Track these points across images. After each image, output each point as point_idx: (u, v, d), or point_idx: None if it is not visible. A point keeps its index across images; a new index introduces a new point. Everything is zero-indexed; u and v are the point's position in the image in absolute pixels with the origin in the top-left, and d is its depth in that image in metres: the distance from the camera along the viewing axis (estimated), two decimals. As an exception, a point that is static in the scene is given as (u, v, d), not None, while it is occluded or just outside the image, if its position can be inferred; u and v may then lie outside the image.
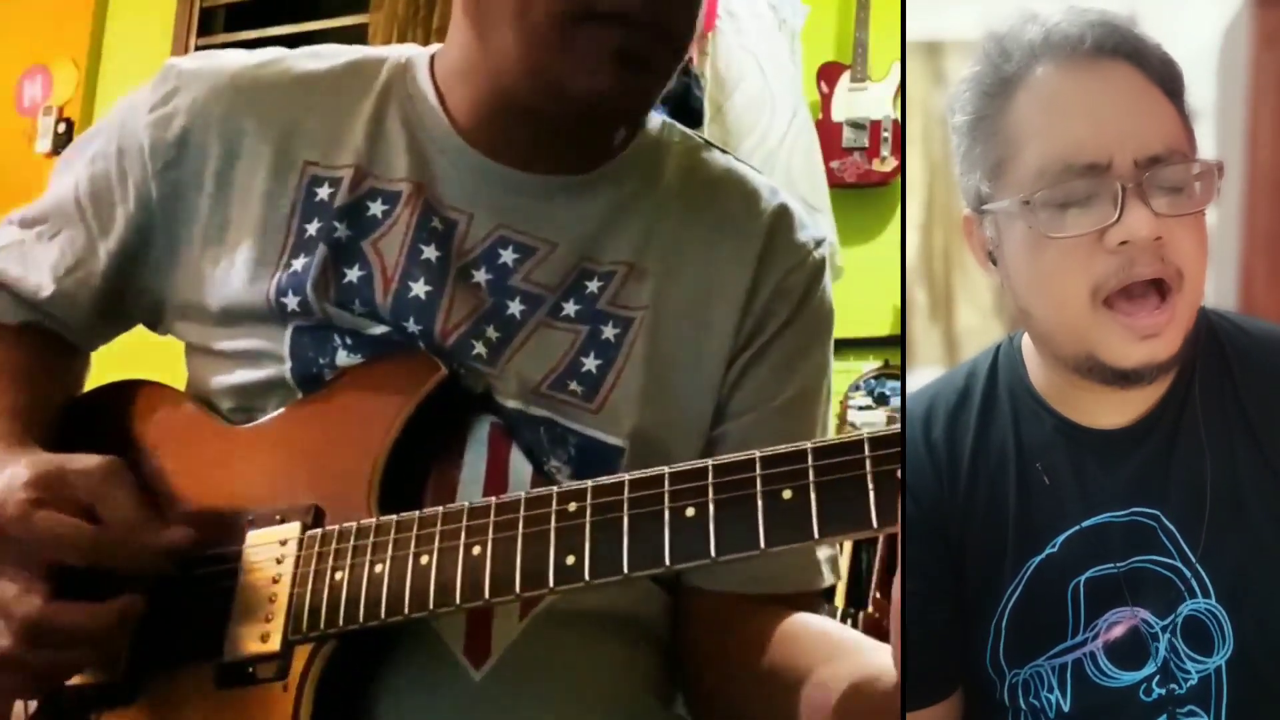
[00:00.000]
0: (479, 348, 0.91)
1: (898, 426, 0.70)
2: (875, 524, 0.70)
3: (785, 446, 0.73)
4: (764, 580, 0.94)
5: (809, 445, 0.73)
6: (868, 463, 0.70)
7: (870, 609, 2.56)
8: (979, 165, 0.74)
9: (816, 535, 0.71)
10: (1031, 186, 0.71)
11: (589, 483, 0.78)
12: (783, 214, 1.01)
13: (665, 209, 0.98)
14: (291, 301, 0.91)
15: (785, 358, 0.98)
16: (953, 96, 0.76)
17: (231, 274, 0.94)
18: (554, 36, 0.86)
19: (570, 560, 0.76)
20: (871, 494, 0.70)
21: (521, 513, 0.79)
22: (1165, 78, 0.73)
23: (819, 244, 1.02)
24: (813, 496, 0.71)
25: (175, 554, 0.86)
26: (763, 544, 0.72)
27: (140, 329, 1.06)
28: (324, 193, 0.94)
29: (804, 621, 0.92)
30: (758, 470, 0.73)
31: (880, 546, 2.59)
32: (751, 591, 0.94)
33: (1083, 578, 0.73)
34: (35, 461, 0.86)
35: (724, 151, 1.05)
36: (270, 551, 0.86)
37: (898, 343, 2.63)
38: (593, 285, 0.94)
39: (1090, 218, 0.70)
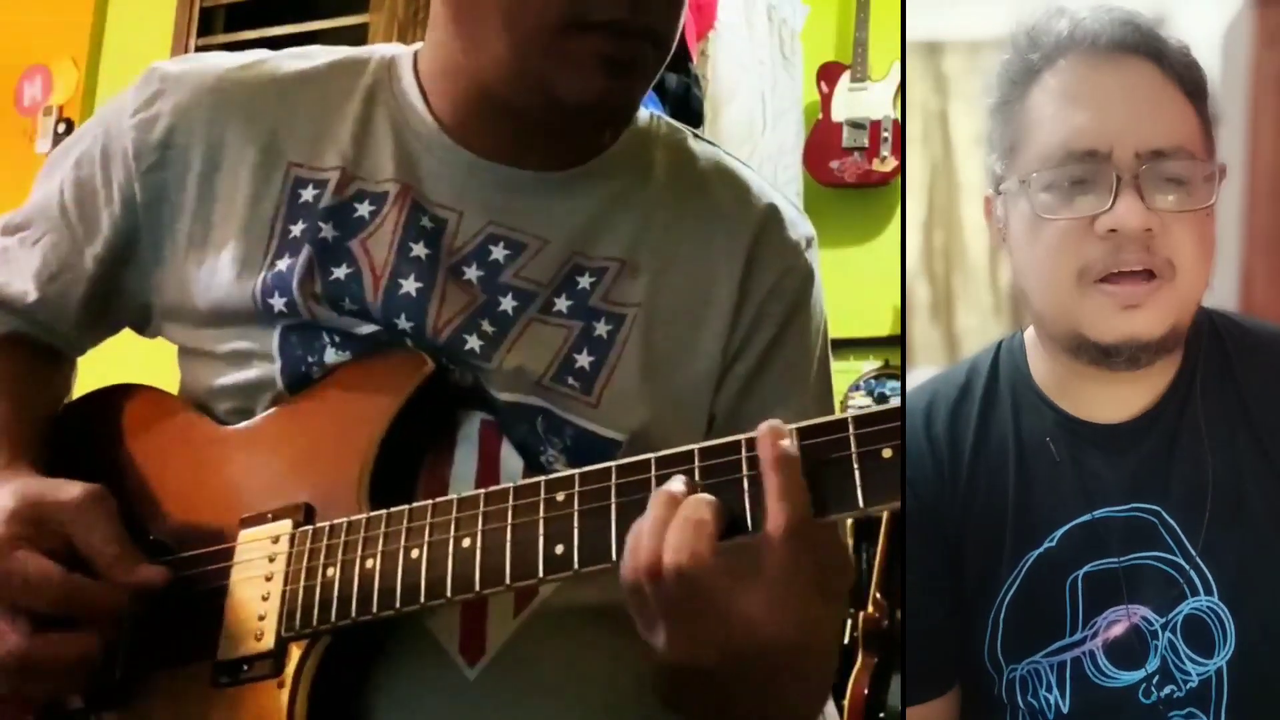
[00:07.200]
0: (472, 342, 0.90)
1: (881, 406, 0.70)
2: (862, 503, 0.70)
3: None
4: None
5: (793, 427, 0.72)
6: (853, 442, 0.70)
7: (870, 609, 2.56)
8: (997, 147, 0.77)
9: None
10: (1034, 169, 0.74)
11: (576, 471, 0.78)
12: (772, 211, 1.00)
13: (656, 203, 0.98)
14: (278, 303, 0.91)
15: (788, 367, 0.97)
16: (987, 83, 0.78)
17: (216, 275, 0.93)
18: (545, 45, 0.87)
19: (560, 549, 0.76)
20: (857, 474, 0.70)
21: (510, 503, 0.79)
22: (1186, 78, 0.74)
23: (809, 243, 1.01)
24: None
25: (145, 594, 0.86)
26: (750, 527, 0.72)
27: (128, 333, 1.05)
28: (309, 194, 0.94)
29: None
30: (743, 453, 0.73)
31: (880, 545, 2.59)
32: None
33: (1081, 572, 0.73)
34: (18, 492, 0.87)
35: (710, 143, 1.05)
36: (262, 550, 0.85)
37: (898, 343, 2.63)
38: (584, 281, 0.94)
39: (1085, 203, 0.72)
